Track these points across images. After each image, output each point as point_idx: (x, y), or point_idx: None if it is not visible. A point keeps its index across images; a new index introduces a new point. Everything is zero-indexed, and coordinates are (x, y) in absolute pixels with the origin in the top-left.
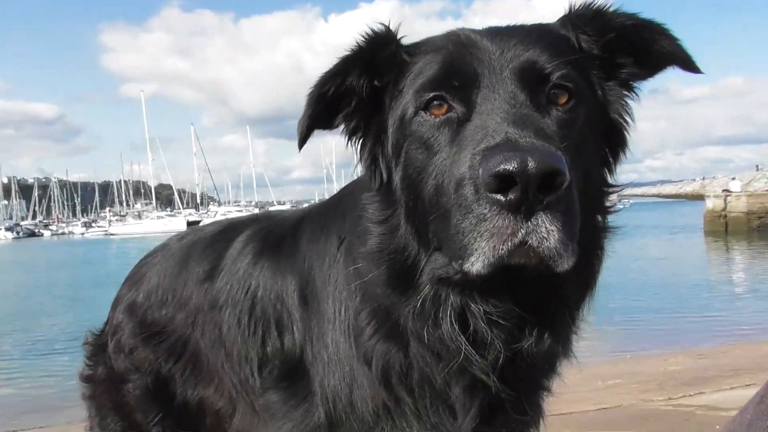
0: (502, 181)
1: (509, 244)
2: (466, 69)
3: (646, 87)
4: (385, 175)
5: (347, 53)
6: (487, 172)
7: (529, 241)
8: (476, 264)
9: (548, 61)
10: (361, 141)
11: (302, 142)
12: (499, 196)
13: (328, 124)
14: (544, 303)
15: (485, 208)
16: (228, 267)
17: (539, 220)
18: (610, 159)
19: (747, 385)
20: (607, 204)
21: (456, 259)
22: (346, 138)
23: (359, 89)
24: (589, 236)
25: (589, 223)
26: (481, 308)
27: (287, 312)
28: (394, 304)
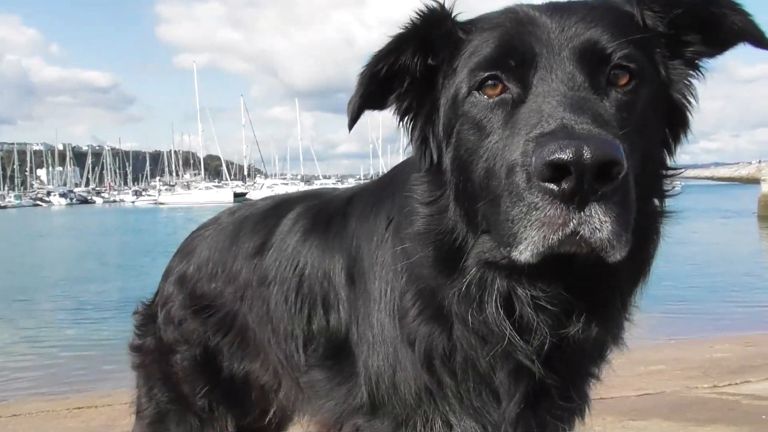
0: (556, 170)
1: (560, 233)
2: (523, 48)
3: (732, 50)
4: (435, 156)
5: (401, 31)
6: (540, 161)
7: (581, 232)
8: (525, 253)
9: (610, 40)
10: (412, 121)
11: (353, 122)
12: (553, 186)
13: (379, 104)
14: (594, 289)
15: (537, 197)
16: (278, 243)
17: (593, 210)
18: (671, 140)
19: None
20: (666, 187)
21: (504, 246)
22: (398, 118)
23: (413, 68)
24: (645, 221)
25: (646, 207)
26: (528, 293)
27: (334, 291)
28: (439, 286)
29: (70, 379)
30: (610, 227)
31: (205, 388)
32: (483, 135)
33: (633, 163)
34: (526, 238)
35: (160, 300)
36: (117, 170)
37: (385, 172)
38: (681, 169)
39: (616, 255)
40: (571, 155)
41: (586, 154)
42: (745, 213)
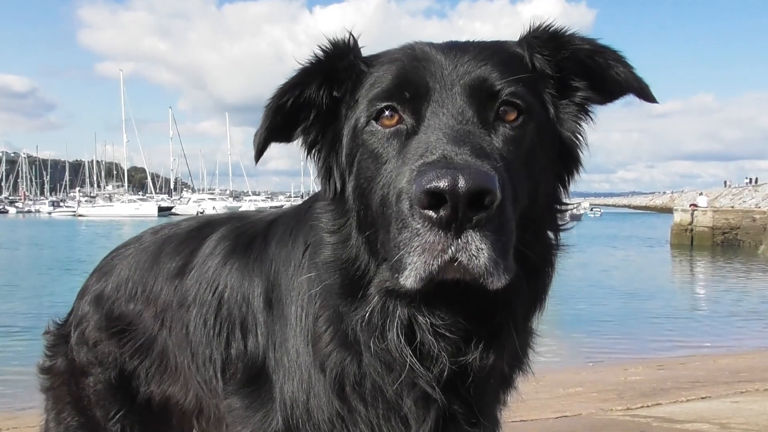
0: (433, 198)
1: (439, 260)
2: (418, 82)
3: (621, 100)
4: (338, 185)
5: (305, 65)
6: (419, 189)
7: (459, 258)
8: (409, 278)
9: (499, 78)
10: (318, 152)
11: (259, 155)
12: (431, 213)
13: (286, 137)
14: (490, 317)
15: (418, 224)
16: (199, 265)
17: (469, 237)
18: (565, 177)
19: (702, 398)
20: (560, 221)
21: (394, 271)
22: (305, 151)
23: (318, 101)
24: (539, 253)
25: (540, 240)
26: (428, 320)
27: (252, 315)
28: (346, 313)
29: None
30: (486, 254)
31: (119, 412)
32: (380, 164)
33: (518, 194)
34: (410, 264)
35: (74, 320)
36: (33, 179)
37: (312, 192)
38: (573, 205)
39: (496, 282)
40: (446, 184)
41: (460, 183)
42: (661, 241)
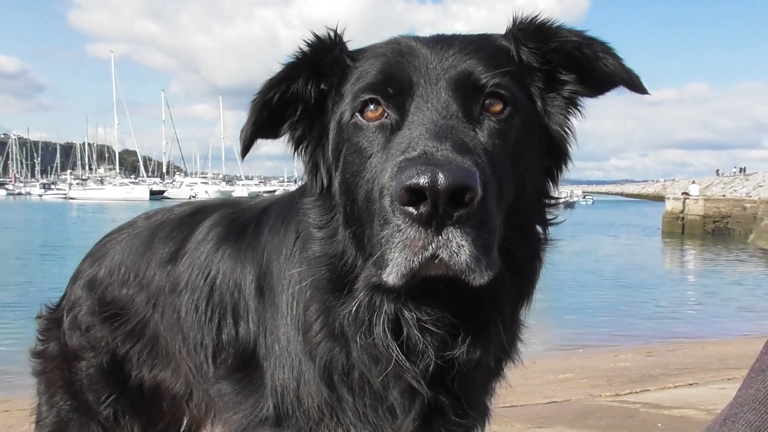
0: (414, 195)
1: (420, 257)
2: (401, 77)
3: (611, 92)
4: (325, 180)
5: (291, 60)
6: (399, 185)
7: (441, 255)
8: (391, 275)
9: (484, 71)
10: (305, 148)
11: (245, 151)
12: (411, 209)
13: (272, 133)
14: (477, 312)
15: (399, 220)
16: (191, 251)
17: (450, 234)
18: (554, 170)
19: (690, 384)
20: (548, 216)
21: (377, 267)
22: (293, 147)
23: (306, 96)
24: (527, 247)
25: (528, 234)
26: (415, 315)
27: (244, 301)
28: (334, 308)
29: None
30: (467, 251)
31: (111, 396)
32: (365, 158)
33: (504, 189)
34: (391, 260)
35: (67, 304)
36: (24, 161)
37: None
38: (562, 199)
39: (478, 279)
40: (425, 181)
41: (440, 179)
42: (653, 228)
